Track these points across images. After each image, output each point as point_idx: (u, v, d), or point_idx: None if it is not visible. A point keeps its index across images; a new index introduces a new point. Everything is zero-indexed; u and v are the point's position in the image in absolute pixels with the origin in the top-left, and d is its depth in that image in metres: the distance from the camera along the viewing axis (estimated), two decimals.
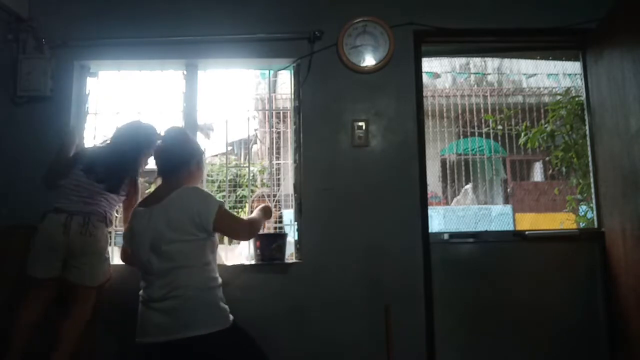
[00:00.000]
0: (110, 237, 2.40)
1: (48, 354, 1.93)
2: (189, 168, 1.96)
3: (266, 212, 2.10)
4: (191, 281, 1.76)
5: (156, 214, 1.80)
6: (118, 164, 2.14)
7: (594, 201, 2.56)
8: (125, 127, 2.24)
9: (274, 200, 2.80)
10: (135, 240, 1.82)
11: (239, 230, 1.93)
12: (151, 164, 2.36)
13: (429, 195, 2.55)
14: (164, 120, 2.70)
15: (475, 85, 7.68)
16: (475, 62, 7.73)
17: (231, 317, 1.83)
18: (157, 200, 1.83)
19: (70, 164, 2.15)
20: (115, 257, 2.39)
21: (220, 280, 1.86)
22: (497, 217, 6.29)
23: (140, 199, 2.12)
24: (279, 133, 6.36)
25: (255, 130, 7.24)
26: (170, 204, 1.80)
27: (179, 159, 1.94)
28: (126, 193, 2.19)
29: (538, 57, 5.51)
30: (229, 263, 2.35)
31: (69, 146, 2.30)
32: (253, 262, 2.35)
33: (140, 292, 1.85)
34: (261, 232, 2.23)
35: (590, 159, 2.58)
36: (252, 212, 2.16)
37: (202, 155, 2.06)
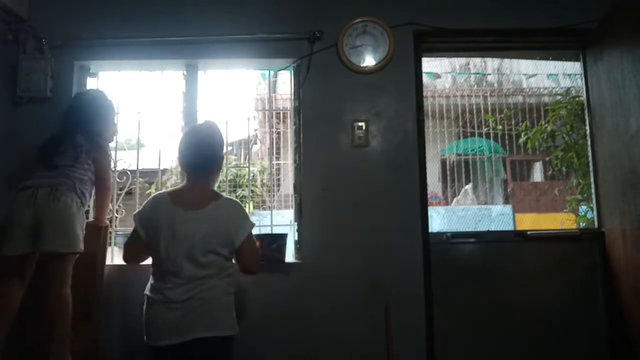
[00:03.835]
0: (110, 237, 2.40)
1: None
2: (219, 166, 1.92)
3: None
4: (216, 287, 1.75)
5: (201, 220, 1.73)
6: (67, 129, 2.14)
7: (594, 201, 2.55)
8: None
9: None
10: (174, 242, 1.71)
11: (254, 260, 1.88)
12: (149, 163, 2.36)
13: (429, 196, 2.54)
14: (163, 120, 2.71)
15: (475, 86, 7.69)
16: (475, 62, 7.74)
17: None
18: (196, 205, 1.76)
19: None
20: (115, 258, 2.39)
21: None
22: (497, 217, 6.30)
23: (109, 166, 2.11)
24: (279, 133, 6.36)
25: (255, 130, 7.24)
26: (216, 215, 1.76)
27: (214, 156, 1.87)
28: (91, 160, 2.11)
29: (538, 58, 5.50)
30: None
31: None
32: None
33: (151, 292, 1.75)
34: (260, 232, 2.23)
35: (590, 159, 2.58)
36: None
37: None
